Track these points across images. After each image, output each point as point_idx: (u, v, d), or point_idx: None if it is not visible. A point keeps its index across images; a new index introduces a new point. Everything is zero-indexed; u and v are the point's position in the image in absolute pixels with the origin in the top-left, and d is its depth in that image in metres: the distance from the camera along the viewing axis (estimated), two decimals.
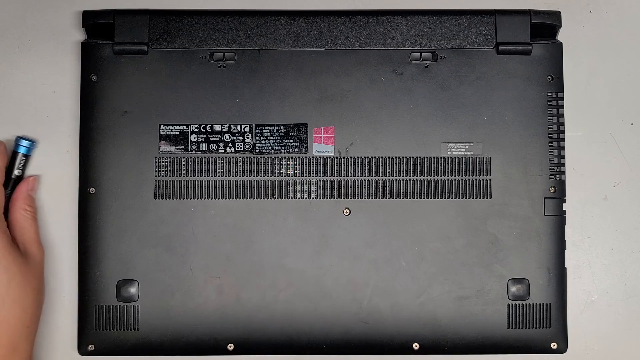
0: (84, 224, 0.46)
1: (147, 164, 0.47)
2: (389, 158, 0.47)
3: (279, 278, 0.46)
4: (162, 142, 0.47)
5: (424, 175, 0.47)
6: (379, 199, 0.47)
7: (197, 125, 0.47)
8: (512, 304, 0.46)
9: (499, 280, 0.47)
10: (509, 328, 0.46)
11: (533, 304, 0.46)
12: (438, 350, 0.46)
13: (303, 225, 0.47)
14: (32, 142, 0.48)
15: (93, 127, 0.47)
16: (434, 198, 0.47)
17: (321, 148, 0.47)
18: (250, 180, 0.47)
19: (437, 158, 0.47)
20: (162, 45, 0.47)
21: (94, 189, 0.46)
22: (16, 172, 0.47)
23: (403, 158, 0.47)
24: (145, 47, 0.47)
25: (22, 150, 0.48)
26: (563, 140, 0.47)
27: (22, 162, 0.48)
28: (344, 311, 0.46)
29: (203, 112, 0.47)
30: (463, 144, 0.47)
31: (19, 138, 0.48)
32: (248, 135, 0.47)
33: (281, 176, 0.47)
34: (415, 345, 0.46)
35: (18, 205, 0.46)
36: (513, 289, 0.46)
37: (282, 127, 0.47)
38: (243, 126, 0.47)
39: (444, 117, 0.47)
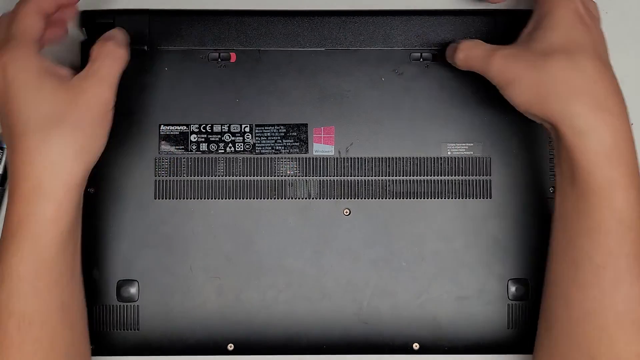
0: (83, 224, 0.46)
1: (147, 164, 0.47)
2: (389, 158, 0.47)
3: (279, 278, 0.46)
4: (162, 142, 0.47)
5: (424, 175, 0.47)
6: (379, 199, 0.47)
7: (197, 125, 0.47)
8: (512, 304, 0.46)
9: (499, 280, 0.47)
10: (508, 328, 0.46)
11: (533, 304, 0.46)
12: (438, 350, 0.47)
13: (303, 225, 0.47)
14: None
15: None
16: (434, 198, 0.47)
17: (321, 148, 0.47)
18: (250, 180, 0.47)
19: (437, 158, 0.47)
20: (162, 45, 0.47)
21: (93, 189, 0.46)
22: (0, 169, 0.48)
23: (403, 158, 0.47)
24: (145, 47, 0.47)
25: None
26: None
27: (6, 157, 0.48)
28: (344, 311, 0.46)
29: (203, 112, 0.47)
30: (463, 144, 0.47)
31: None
32: (248, 135, 0.47)
33: (281, 176, 0.47)
34: (415, 345, 0.46)
35: (101, 41, 0.42)
36: (513, 289, 0.46)
37: (282, 127, 0.47)
38: (243, 126, 0.47)
39: (444, 117, 0.47)
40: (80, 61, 0.47)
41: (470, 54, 0.43)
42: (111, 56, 0.41)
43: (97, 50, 0.41)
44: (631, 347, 0.37)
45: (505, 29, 0.47)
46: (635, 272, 0.37)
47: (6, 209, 0.39)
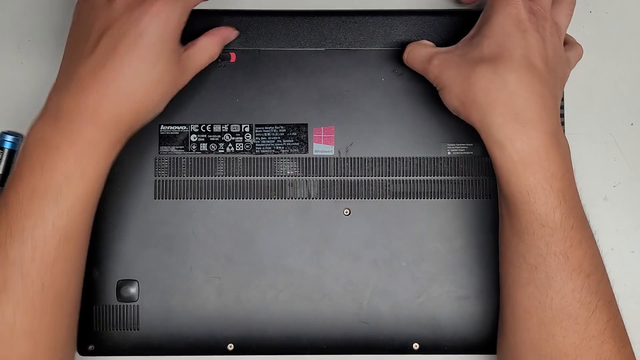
0: None
1: (147, 164, 0.47)
2: (389, 158, 0.47)
3: (279, 278, 0.46)
4: (162, 142, 0.47)
5: (424, 175, 0.47)
6: (379, 199, 0.47)
7: (197, 125, 0.47)
8: None
9: (499, 280, 0.47)
10: None
11: None
12: (438, 350, 0.47)
13: (303, 225, 0.47)
14: (17, 137, 0.48)
15: None
16: (434, 198, 0.47)
17: (321, 148, 0.47)
18: (250, 180, 0.47)
19: (437, 158, 0.47)
20: None
21: None
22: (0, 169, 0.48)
23: (403, 158, 0.47)
24: None
25: (7, 145, 0.48)
26: None
27: (8, 157, 0.48)
28: (343, 311, 0.46)
29: (203, 112, 0.47)
30: (463, 144, 0.47)
31: (3, 133, 0.48)
32: (248, 135, 0.47)
33: (281, 176, 0.47)
34: (415, 345, 0.46)
35: (217, 36, 0.45)
36: None
37: (282, 127, 0.47)
38: (243, 126, 0.47)
39: (444, 117, 0.47)
40: None
41: (412, 55, 0.45)
42: (211, 51, 0.45)
43: (209, 41, 0.44)
44: (568, 339, 0.39)
45: None
46: (566, 269, 0.39)
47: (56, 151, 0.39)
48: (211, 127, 0.47)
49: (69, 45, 0.42)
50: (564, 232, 0.39)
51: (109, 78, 0.39)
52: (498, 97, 0.39)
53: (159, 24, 0.40)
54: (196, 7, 0.48)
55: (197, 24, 0.47)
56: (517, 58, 0.40)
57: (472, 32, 0.44)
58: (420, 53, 0.44)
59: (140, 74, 0.40)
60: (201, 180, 0.47)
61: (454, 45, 0.44)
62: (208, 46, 0.44)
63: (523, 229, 0.40)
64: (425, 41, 0.46)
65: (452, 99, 0.42)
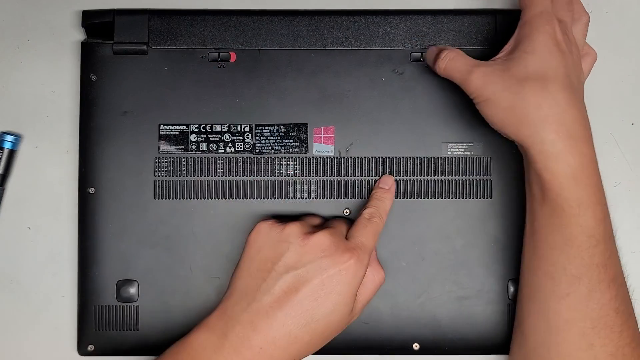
0: (83, 224, 0.47)
1: (147, 164, 0.47)
2: (389, 158, 0.47)
3: None
4: (162, 142, 0.47)
5: (424, 175, 0.47)
6: None
7: (197, 125, 0.47)
8: (512, 304, 0.46)
9: (499, 280, 0.47)
10: (508, 328, 0.46)
11: None
12: (438, 350, 0.46)
13: None
14: (17, 137, 0.48)
15: (93, 127, 0.47)
16: (434, 198, 0.47)
17: (321, 148, 0.47)
18: (250, 180, 0.47)
19: (437, 158, 0.47)
20: (162, 45, 0.47)
21: (93, 189, 0.46)
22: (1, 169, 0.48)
23: (403, 158, 0.47)
24: (145, 47, 0.47)
25: (7, 145, 0.48)
26: None
27: (8, 157, 0.48)
28: None
29: (203, 112, 0.47)
30: (463, 144, 0.47)
31: (3, 133, 0.48)
32: (248, 135, 0.47)
33: (281, 176, 0.47)
34: (415, 346, 0.46)
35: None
36: (513, 289, 0.46)
37: (282, 127, 0.47)
38: (243, 126, 0.47)
39: (444, 117, 0.47)
40: (81, 61, 0.47)
41: (451, 65, 0.44)
42: (377, 282, 0.44)
43: (371, 272, 0.43)
44: (606, 348, 0.40)
45: (505, 29, 0.47)
46: (606, 279, 0.40)
47: None
48: (211, 127, 0.47)
49: (245, 267, 0.42)
50: (605, 244, 0.40)
51: (281, 321, 0.40)
52: (550, 114, 0.40)
53: (345, 280, 0.40)
54: (196, 7, 0.48)
55: (197, 24, 0.47)
56: (561, 77, 0.41)
57: (509, 47, 0.44)
58: (460, 63, 0.44)
59: (312, 322, 0.40)
60: (201, 180, 0.47)
61: (492, 59, 0.44)
62: (374, 281, 0.43)
63: (567, 241, 0.40)
64: (459, 50, 0.45)
65: (497, 112, 0.42)
